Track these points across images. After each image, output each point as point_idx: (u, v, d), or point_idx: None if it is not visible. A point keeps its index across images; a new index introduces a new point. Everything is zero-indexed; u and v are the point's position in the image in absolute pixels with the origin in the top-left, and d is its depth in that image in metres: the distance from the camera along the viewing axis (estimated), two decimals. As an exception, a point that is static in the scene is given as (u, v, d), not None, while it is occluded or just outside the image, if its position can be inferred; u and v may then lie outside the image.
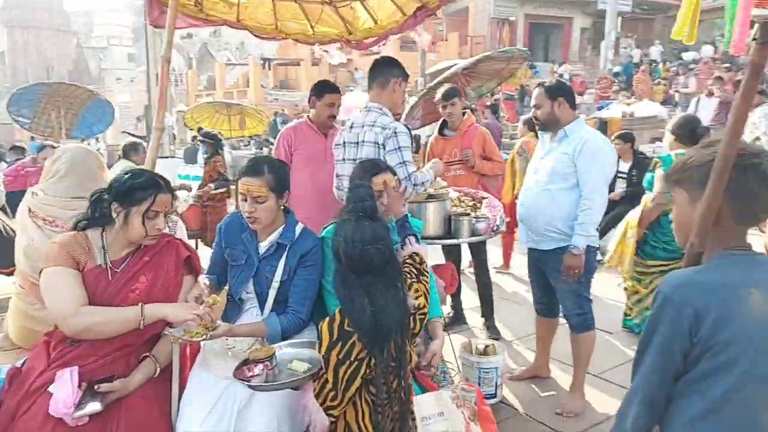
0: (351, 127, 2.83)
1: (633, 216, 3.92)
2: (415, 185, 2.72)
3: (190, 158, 10.98)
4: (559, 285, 3.04)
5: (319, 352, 1.78)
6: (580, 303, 3.03)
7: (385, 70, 2.88)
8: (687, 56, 20.62)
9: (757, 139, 8.27)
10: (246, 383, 1.76)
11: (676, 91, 15.98)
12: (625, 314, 4.10)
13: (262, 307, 2.19)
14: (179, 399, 1.96)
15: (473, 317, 4.25)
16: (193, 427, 1.88)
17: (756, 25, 1.09)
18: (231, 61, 35.06)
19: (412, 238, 2.21)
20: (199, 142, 7.91)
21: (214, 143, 6.81)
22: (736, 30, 1.00)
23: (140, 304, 1.83)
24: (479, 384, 2.96)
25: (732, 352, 1.11)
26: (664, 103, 14.79)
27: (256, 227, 2.16)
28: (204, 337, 1.84)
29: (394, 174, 2.36)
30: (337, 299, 1.87)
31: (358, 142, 2.77)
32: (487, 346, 3.12)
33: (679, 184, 1.29)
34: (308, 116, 3.69)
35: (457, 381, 2.46)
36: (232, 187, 6.62)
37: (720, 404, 1.14)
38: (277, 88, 27.53)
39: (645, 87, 16.63)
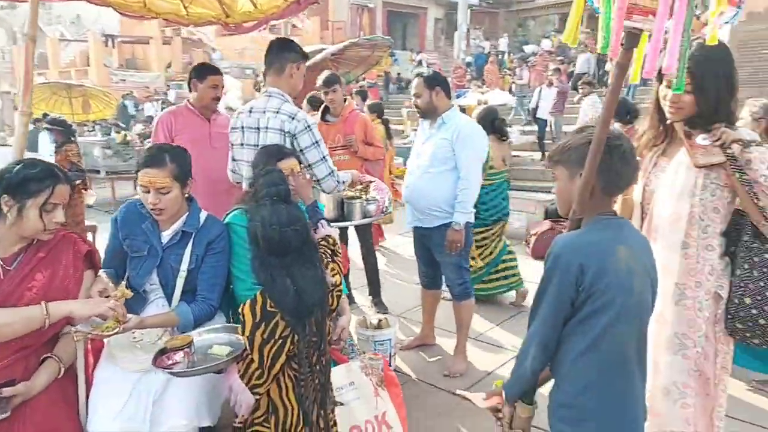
0: (250, 111, 2.81)
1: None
2: (338, 182, 2.76)
3: (29, 146, 9.80)
4: (443, 259, 3.33)
5: (243, 333, 1.83)
6: (461, 274, 3.35)
7: (281, 55, 2.81)
8: (528, 49, 22.63)
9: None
10: (168, 371, 1.75)
11: (513, 83, 17.53)
12: None
13: (168, 298, 2.15)
14: (87, 398, 1.88)
15: (359, 297, 4.46)
16: (105, 424, 1.83)
17: (622, 33, 1.34)
18: (65, 36, 31.44)
19: (324, 222, 2.30)
20: (45, 129, 7.15)
21: (63, 130, 6.21)
22: (612, 37, 1.24)
23: (43, 303, 1.72)
24: (374, 356, 3.17)
25: (607, 297, 1.39)
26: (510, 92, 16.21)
27: (161, 219, 2.11)
28: (116, 330, 1.79)
29: (300, 160, 2.43)
30: (258, 282, 1.91)
31: (259, 128, 2.75)
32: (380, 321, 3.32)
33: (560, 164, 1.55)
34: (188, 100, 3.56)
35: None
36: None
37: (599, 340, 1.41)
38: (122, 67, 25.24)
39: (494, 77, 18.05)
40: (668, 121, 1.93)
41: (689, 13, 1.15)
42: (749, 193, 1.76)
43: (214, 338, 1.93)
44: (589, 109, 8.78)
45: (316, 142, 2.67)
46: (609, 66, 16.53)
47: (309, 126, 2.66)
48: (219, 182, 3.21)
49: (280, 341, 1.83)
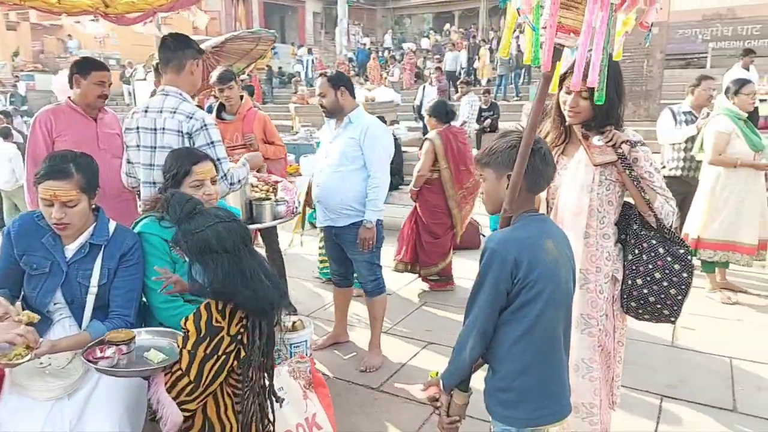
0: (146, 111, 2.64)
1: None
2: (231, 184, 2.64)
3: None
4: (355, 256, 3.38)
5: (184, 347, 1.73)
6: (373, 270, 3.42)
7: (179, 53, 2.67)
8: (406, 47, 23.30)
9: (464, 123, 10.01)
10: (93, 365, 1.63)
11: (385, 78, 18.02)
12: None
13: (78, 317, 1.98)
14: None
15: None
16: (16, 461, 1.66)
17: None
18: None
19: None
20: None
21: None
22: (543, 53, 1.36)
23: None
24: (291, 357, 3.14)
25: (539, 286, 1.52)
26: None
27: (66, 233, 1.93)
28: (28, 357, 1.62)
29: (214, 163, 2.34)
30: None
31: (156, 129, 2.59)
32: (294, 322, 3.29)
33: (488, 166, 1.66)
34: (69, 97, 3.26)
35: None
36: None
37: (533, 326, 1.54)
38: (-45, 56, 22.22)
39: (376, 73, 18.41)
40: (567, 123, 2.14)
41: (608, 32, 1.30)
42: (637, 187, 2.01)
43: (153, 342, 1.83)
44: (467, 107, 9.27)
45: (212, 141, 2.58)
46: (477, 64, 17.56)
47: (206, 125, 2.57)
48: (108, 186, 2.99)
49: (223, 357, 1.75)
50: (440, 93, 11.62)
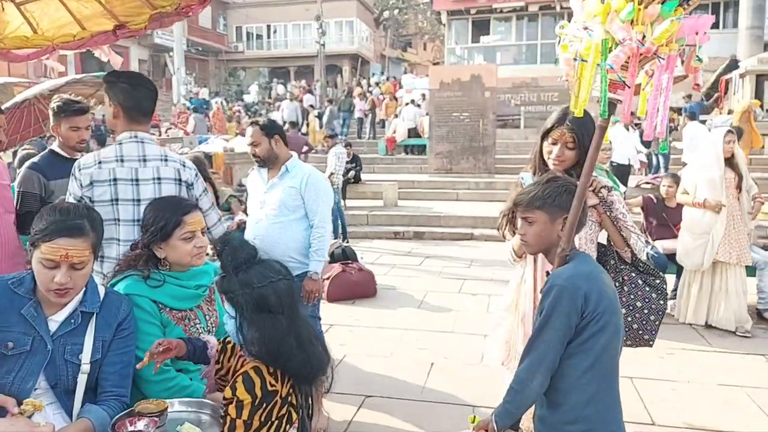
0: (120, 160, 2.30)
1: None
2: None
3: None
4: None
5: (238, 417, 1.50)
6: (316, 324, 3.29)
7: (155, 99, 2.49)
8: (248, 98, 23.17)
9: (331, 174, 10.20)
10: None
11: (238, 132, 17.87)
12: None
13: (64, 402, 1.62)
14: None
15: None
16: None
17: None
18: None
19: None
20: None
21: None
22: (624, 107, 1.53)
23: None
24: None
25: (605, 318, 1.64)
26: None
27: (65, 300, 1.59)
28: None
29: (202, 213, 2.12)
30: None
31: (138, 180, 2.28)
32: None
33: (541, 208, 1.77)
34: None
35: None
36: None
37: (599, 357, 1.65)
38: None
39: (221, 124, 17.90)
40: (550, 170, 2.37)
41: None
42: (616, 227, 2.29)
43: (186, 415, 1.57)
44: (333, 158, 9.45)
45: (205, 189, 2.50)
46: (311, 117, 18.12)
47: (197, 172, 2.47)
48: (4, 246, 2.56)
49: (276, 422, 1.56)
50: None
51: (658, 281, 2.28)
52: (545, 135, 2.32)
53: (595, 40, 1.50)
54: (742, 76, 14.78)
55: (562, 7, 20.56)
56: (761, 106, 13.78)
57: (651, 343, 2.32)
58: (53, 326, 1.63)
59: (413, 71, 31.12)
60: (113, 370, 1.69)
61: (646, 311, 2.26)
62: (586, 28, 1.54)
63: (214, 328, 2.09)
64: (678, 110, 13.62)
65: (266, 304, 1.57)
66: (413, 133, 15.78)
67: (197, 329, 2.00)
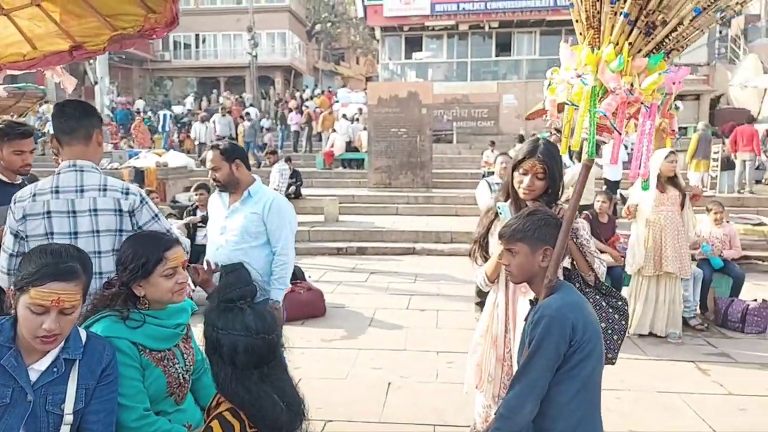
0: (56, 191, 2.16)
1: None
2: None
3: None
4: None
5: None
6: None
7: (85, 121, 2.33)
8: (177, 109, 22.41)
9: (276, 190, 10.08)
10: None
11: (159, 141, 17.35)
12: None
13: (46, 457, 1.51)
14: None
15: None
16: None
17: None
18: None
19: None
20: None
21: None
22: (615, 151, 1.64)
23: None
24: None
25: (591, 345, 1.75)
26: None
27: (50, 348, 1.49)
28: None
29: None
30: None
31: (75, 212, 2.14)
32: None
33: (522, 240, 1.86)
34: None
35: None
36: None
37: (586, 383, 1.75)
38: None
39: (144, 136, 17.22)
40: (521, 199, 2.48)
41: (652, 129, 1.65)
42: (581, 252, 2.43)
43: None
44: (277, 175, 9.36)
45: (156, 215, 2.34)
46: (240, 128, 17.79)
47: (143, 198, 2.31)
48: None
49: None
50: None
51: (620, 303, 2.43)
52: (516, 166, 2.43)
53: (587, 88, 1.61)
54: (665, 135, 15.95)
55: (490, 27, 21.41)
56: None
57: (614, 361, 2.46)
58: (34, 375, 1.53)
59: (346, 85, 31.31)
60: (97, 418, 1.61)
61: (609, 331, 2.40)
62: (579, 76, 1.64)
63: (191, 367, 2.04)
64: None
65: (219, 349, 1.58)
66: (349, 146, 15.86)
67: (176, 369, 1.94)
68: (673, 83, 1.67)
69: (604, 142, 1.72)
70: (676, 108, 1.66)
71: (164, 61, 33.22)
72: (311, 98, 23.63)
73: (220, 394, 1.65)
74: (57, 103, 2.58)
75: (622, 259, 5.65)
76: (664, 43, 1.69)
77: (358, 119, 17.10)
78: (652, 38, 1.67)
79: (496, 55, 22.12)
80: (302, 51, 37.20)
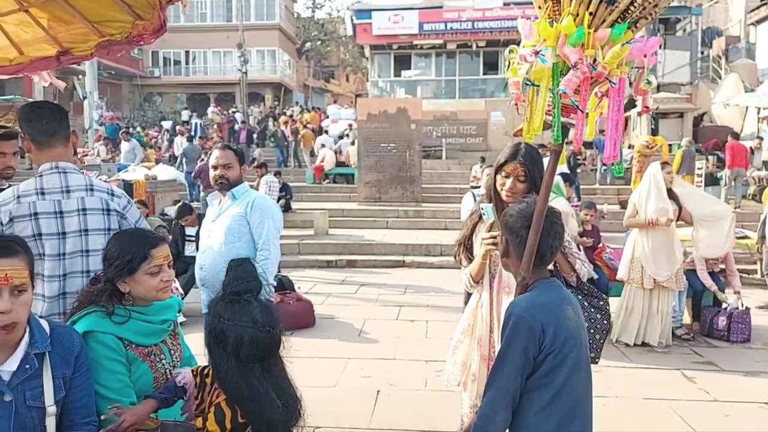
0: (41, 193, 2.17)
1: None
2: None
3: None
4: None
5: None
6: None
7: (65, 123, 2.32)
8: (166, 124, 22.41)
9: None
10: None
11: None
12: None
13: (32, 449, 1.50)
14: None
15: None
16: None
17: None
18: None
19: None
20: None
21: None
22: (577, 132, 1.62)
23: None
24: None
25: (565, 351, 1.66)
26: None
27: (11, 338, 1.50)
28: None
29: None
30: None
31: (62, 212, 2.14)
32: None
33: (506, 232, 1.87)
34: None
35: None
36: None
37: (560, 391, 1.66)
38: None
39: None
40: (502, 201, 2.51)
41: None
42: (563, 253, 2.46)
43: None
44: (264, 187, 9.37)
45: (140, 217, 2.39)
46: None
47: (129, 200, 2.36)
48: None
49: None
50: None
51: (601, 303, 2.46)
52: (499, 169, 2.47)
53: (547, 65, 1.54)
54: (639, 114, 16.23)
55: (477, 46, 21.72)
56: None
57: (596, 360, 2.48)
58: (6, 376, 1.51)
59: (336, 101, 31.48)
60: (80, 404, 1.62)
61: (592, 331, 2.43)
62: (537, 53, 1.56)
63: (179, 363, 2.03)
64: (589, 144, 14.65)
65: (224, 341, 1.58)
66: (337, 162, 15.91)
67: (163, 365, 1.93)
68: (645, 56, 1.57)
69: (572, 125, 1.68)
70: (648, 83, 1.59)
71: (154, 77, 33.27)
72: (301, 113, 23.70)
73: (219, 387, 1.65)
74: (29, 103, 2.58)
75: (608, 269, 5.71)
76: (630, 12, 1.57)
77: (348, 134, 17.15)
78: (616, 6, 1.56)
79: (484, 74, 22.41)
80: (292, 68, 37.42)
